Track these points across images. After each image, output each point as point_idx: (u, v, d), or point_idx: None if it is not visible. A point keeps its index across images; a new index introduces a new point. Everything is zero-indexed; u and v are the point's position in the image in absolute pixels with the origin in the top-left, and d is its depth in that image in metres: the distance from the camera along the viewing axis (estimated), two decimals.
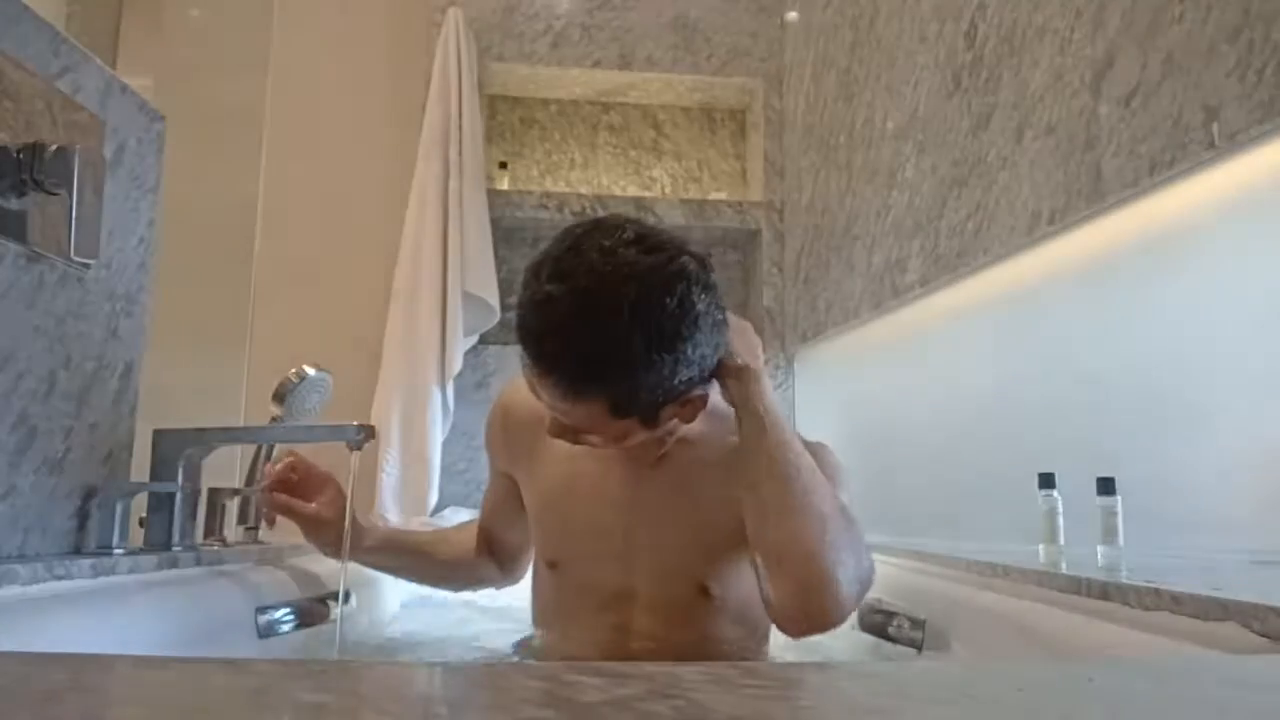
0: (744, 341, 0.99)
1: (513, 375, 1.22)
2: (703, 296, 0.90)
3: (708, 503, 1.04)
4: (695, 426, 1.02)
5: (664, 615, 1.05)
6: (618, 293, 0.86)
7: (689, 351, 0.89)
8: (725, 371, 0.96)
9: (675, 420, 0.97)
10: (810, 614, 0.91)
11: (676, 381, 0.91)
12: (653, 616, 1.05)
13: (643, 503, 1.05)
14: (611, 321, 0.86)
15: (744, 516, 0.96)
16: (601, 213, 2.78)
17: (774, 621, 0.97)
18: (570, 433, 0.97)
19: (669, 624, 1.05)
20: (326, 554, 1.13)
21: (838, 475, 1.03)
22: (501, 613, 1.48)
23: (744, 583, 1.04)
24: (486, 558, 1.26)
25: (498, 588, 1.32)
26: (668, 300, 0.87)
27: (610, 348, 0.87)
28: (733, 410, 0.99)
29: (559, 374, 0.90)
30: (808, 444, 1.03)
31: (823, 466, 0.99)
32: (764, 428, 0.95)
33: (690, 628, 1.05)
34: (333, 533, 1.09)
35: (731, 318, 0.98)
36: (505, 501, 1.21)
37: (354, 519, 1.11)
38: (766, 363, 3.08)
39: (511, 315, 3.29)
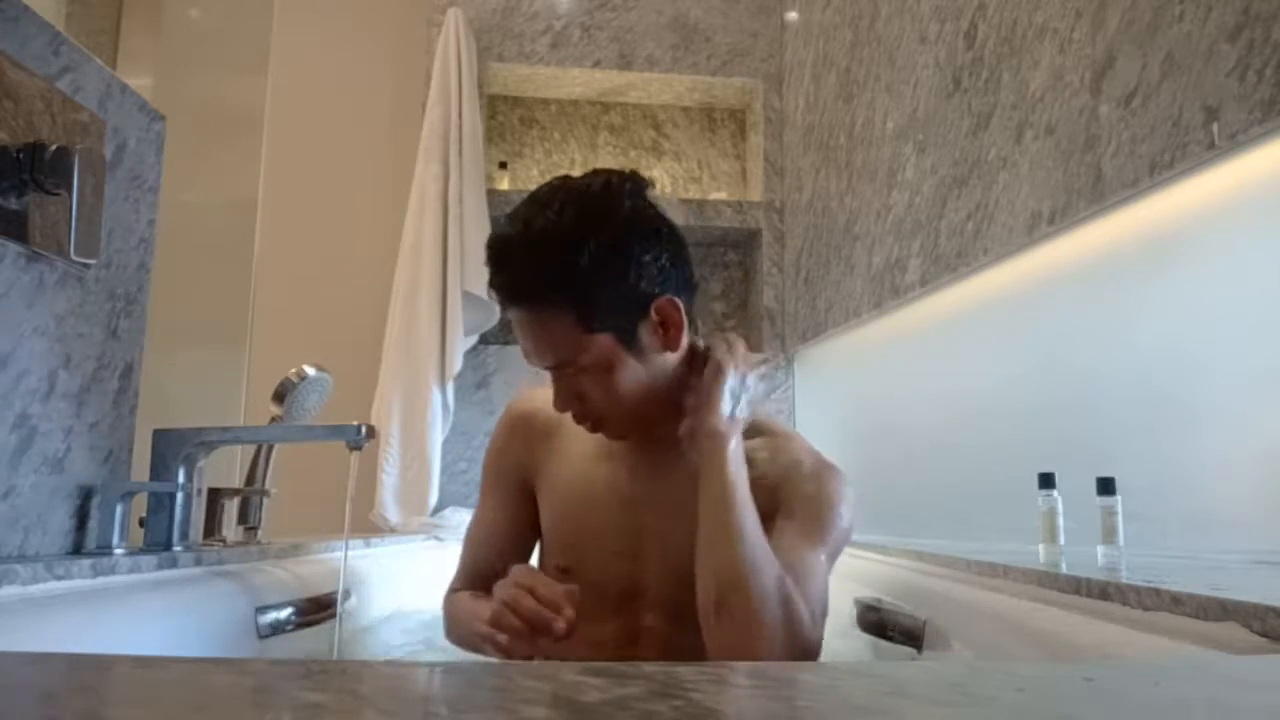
0: (733, 351, 1.00)
1: (517, 380, 1.22)
2: (640, 200, 0.98)
3: None
4: None
5: (671, 614, 1.05)
6: (560, 204, 0.95)
7: (637, 253, 0.95)
8: (697, 417, 0.96)
9: (666, 354, 0.99)
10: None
11: (640, 287, 0.95)
12: (660, 615, 1.05)
13: (655, 501, 1.06)
14: (557, 226, 0.93)
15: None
16: None
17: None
18: (577, 402, 0.99)
19: (676, 623, 1.05)
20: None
21: (835, 508, 1.00)
22: None
23: None
24: None
25: None
26: (605, 200, 0.95)
27: (557, 249, 0.93)
28: (744, 413, 0.99)
29: (519, 289, 0.95)
30: (819, 466, 1.03)
31: (820, 496, 0.99)
32: (719, 495, 0.93)
33: (697, 628, 1.05)
34: None
35: (730, 336, 1.01)
36: (505, 528, 1.15)
37: None
38: (765, 362, 3.02)
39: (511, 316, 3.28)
